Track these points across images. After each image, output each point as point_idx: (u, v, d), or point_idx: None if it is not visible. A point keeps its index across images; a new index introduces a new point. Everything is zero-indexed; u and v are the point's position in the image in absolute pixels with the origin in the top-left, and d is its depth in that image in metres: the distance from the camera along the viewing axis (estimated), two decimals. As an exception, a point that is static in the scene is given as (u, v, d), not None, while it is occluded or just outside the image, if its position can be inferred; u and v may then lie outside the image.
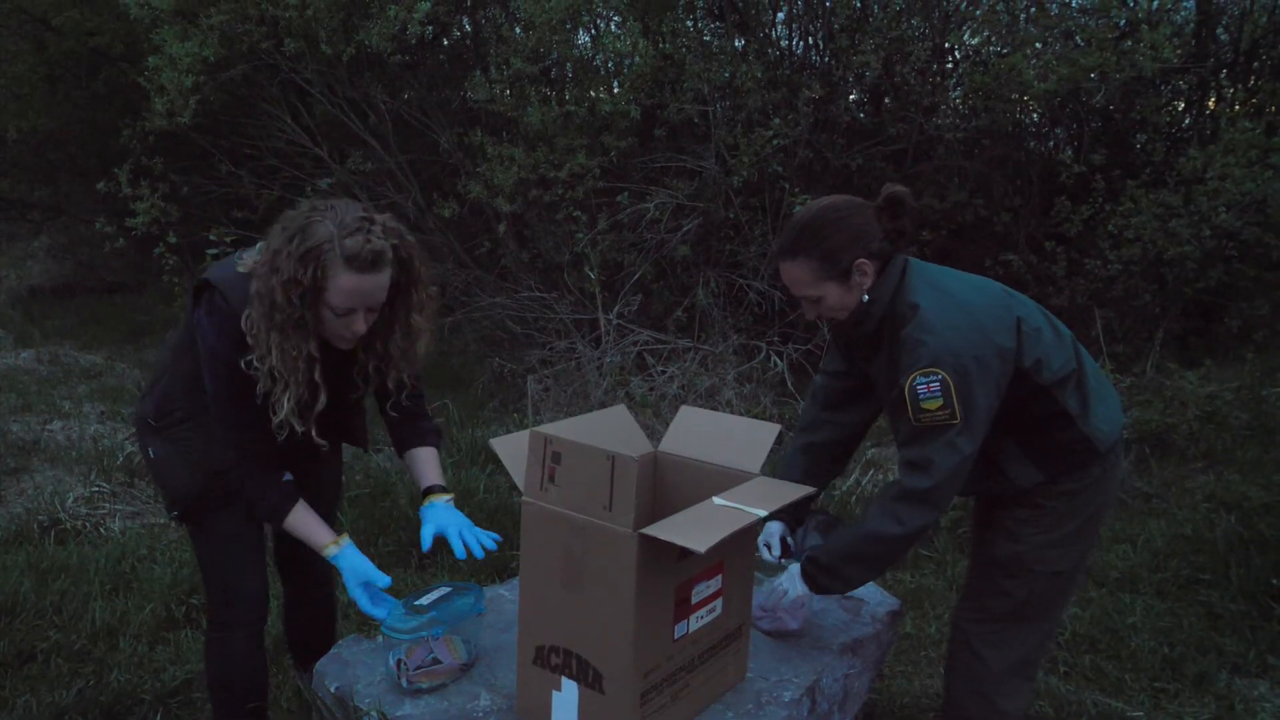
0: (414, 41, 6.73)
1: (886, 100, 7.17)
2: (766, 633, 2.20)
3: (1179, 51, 7.03)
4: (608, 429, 2.00)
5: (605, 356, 5.23)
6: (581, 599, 1.68)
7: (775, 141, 5.97)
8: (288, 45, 6.34)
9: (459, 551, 2.03)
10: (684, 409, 2.14)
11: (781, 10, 7.18)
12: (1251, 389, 5.68)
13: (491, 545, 2.07)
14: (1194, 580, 3.55)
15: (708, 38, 7.12)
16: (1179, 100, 8.05)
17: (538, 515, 1.72)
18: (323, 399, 2.01)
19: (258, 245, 2.00)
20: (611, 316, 5.46)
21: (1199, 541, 3.82)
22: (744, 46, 6.99)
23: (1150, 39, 5.98)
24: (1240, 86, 7.64)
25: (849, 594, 2.40)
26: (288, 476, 2.10)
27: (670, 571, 1.70)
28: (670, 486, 2.06)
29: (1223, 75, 7.81)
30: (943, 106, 6.85)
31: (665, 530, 1.59)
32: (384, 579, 2.00)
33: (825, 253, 1.97)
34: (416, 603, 1.99)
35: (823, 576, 2.05)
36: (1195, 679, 2.92)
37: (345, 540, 2.06)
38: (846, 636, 2.24)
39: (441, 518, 2.11)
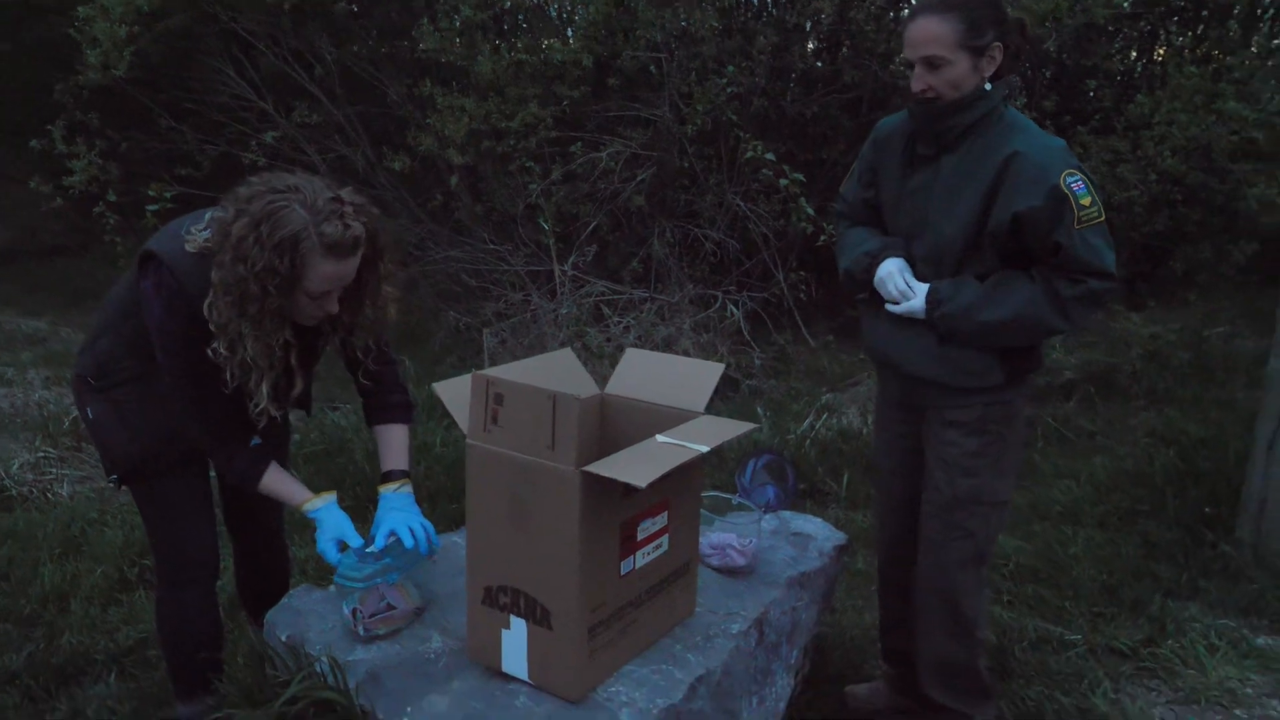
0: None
1: (844, 49, 7.16)
2: (716, 569, 2.25)
3: (1128, 1, 7.09)
4: (553, 372, 2.01)
5: (561, 308, 5.23)
6: (528, 538, 1.71)
7: (729, 90, 5.94)
8: (227, -5, 6.18)
9: (407, 541, 2.02)
10: (629, 351, 2.16)
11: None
12: (1193, 330, 5.82)
13: (436, 545, 2.09)
14: (1133, 512, 3.67)
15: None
16: (1131, 48, 8.12)
17: (482, 457, 1.74)
18: (299, 383, 2.00)
19: (205, 217, 1.94)
20: (566, 268, 5.46)
21: (1139, 475, 3.94)
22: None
23: (1099, -17, 6.01)
24: (1190, 34, 7.72)
25: (794, 531, 2.46)
26: (256, 440, 2.09)
27: (615, 509, 1.73)
28: (617, 428, 2.08)
29: (1173, 22, 7.88)
30: (899, 54, 6.86)
31: (607, 467, 1.62)
32: (358, 540, 2.01)
33: (975, 20, 1.94)
34: (369, 550, 2.01)
35: (961, 323, 2.04)
36: (1131, 603, 3.03)
37: (330, 496, 2.08)
38: (794, 571, 2.29)
39: (393, 517, 2.08)
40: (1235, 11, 7.61)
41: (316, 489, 3.96)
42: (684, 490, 1.93)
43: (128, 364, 2.06)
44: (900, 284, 2.08)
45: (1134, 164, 6.04)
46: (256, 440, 2.07)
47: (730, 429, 1.86)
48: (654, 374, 2.08)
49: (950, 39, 1.93)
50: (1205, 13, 7.80)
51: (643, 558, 1.83)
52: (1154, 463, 4.04)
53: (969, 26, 1.93)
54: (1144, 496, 3.75)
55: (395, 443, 2.24)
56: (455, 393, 1.82)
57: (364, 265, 1.94)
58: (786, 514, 2.61)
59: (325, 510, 2.04)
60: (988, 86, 2.00)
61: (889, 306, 2.12)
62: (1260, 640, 2.86)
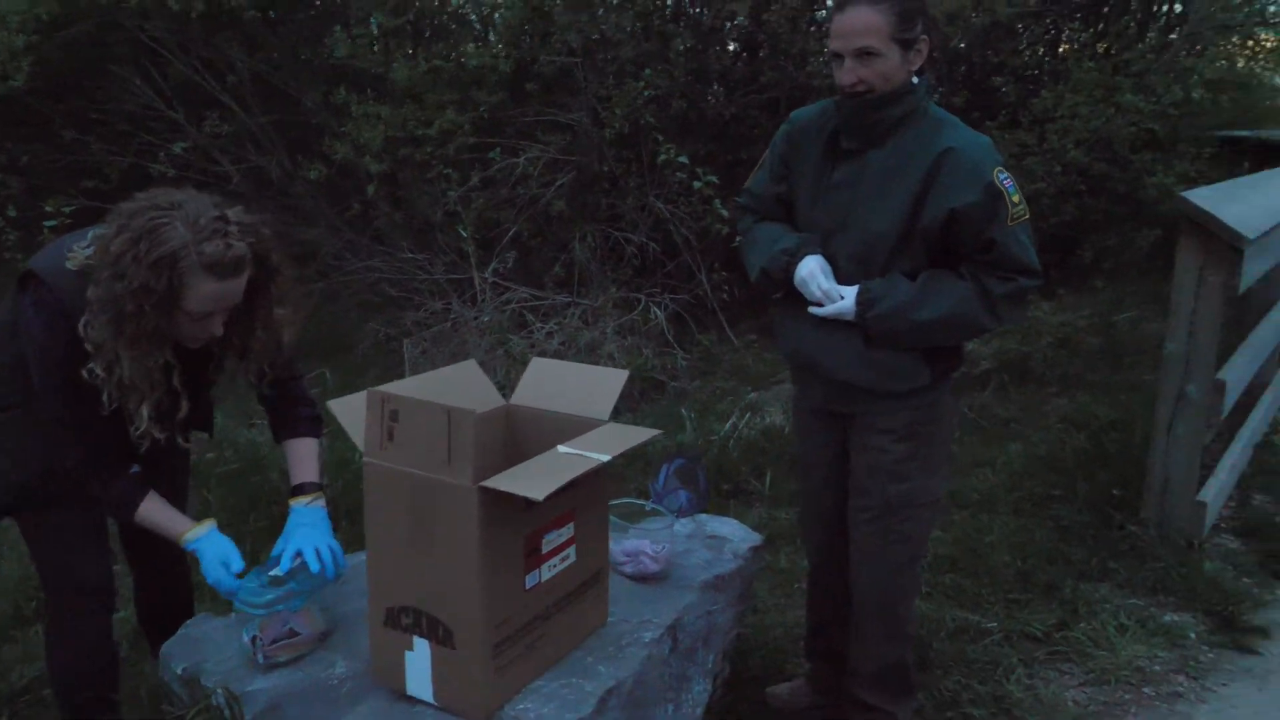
0: (270, -4, 6.47)
1: (761, 51, 7.23)
2: (630, 577, 2.24)
3: (1035, -2, 7.28)
4: (455, 385, 1.98)
5: (482, 316, 5.19)
6: (428, 557, 1.68)
7: (647, 93, 5.96)
8: (130, 1, 5.99)
9: (313, 564, 1.96)
10: (535, 360, 2.15)
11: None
12: (1102, 316, 6.00)
13: (343, 567, 2.04)
14: (1047, 497, 3.76)
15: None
16: (1038, 45, 8.35)
17: (379, 475, 1.71)
18: (185, 405, 1.93)
19: (89, 234, 1.88)
20: (487, 275, 5.42)
21: (1052, 460, 4.04)
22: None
23: (1003, -18, 6.15)
24: (1091, 30, 7.95)
25: (710, 534, 2.46)
26: (135, 469, 2.02)
27: (517, 522, 1.71)
28: (524, 439, 2.06)
29: (1076, 19, 8.12)
30: (815, 55, 6.94)
31: (505, 481, 1.60)
32: (240, 564, 1.95)
33: (905, 12, 1.91)
34: (272, 572, 1.96)
35: (896, 322, 1.99)
36: (1045, 588, 3.10)
37: (210, 524, 2.00)
38: (709, 574, 2.29)
39: (302, 535, 2.01)
40: (1132, 8, 7.89)
41: (232, 509, 3.88)
42: (590, 500, 1.92)
43: (5, 391, 1.98)
44: (823, 283, 2.02)
45: (1040, 157, 6.21)
46: (136, 468, 2.00)
47: (633, 436, 1.86)
48: (559, 383, 2.07)
49: (884, 30, 1.89)
50: (1106, 10, 8.06)
51: (549, 570, 1.82)
52: (1066, 447, 4.15)
53: (900, 18, 1.90)
54: (1057, 481, 3.85)
55: (305, 456, 2.18)
56: (351, 410, 1.79)
57: (253, 287, 1.89)
58: (703, 517, 2.61)
59: (206, 539, 1.97)
60: (915, 80, 1.98)
61: (813, 309, 2.05)
62: (1167, 617, 2.95)
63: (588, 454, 1.74)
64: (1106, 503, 3.53)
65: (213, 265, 1.74)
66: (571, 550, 1.89)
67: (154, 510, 1.98)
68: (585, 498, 1.90)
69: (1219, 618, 2.92)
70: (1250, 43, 8.93)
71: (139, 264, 1.70)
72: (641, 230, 5.99)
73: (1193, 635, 2.85)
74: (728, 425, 4.49)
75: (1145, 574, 3.13)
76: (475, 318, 5.23)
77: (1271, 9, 8.01)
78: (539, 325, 5.35)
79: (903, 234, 1.98)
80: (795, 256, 2.07)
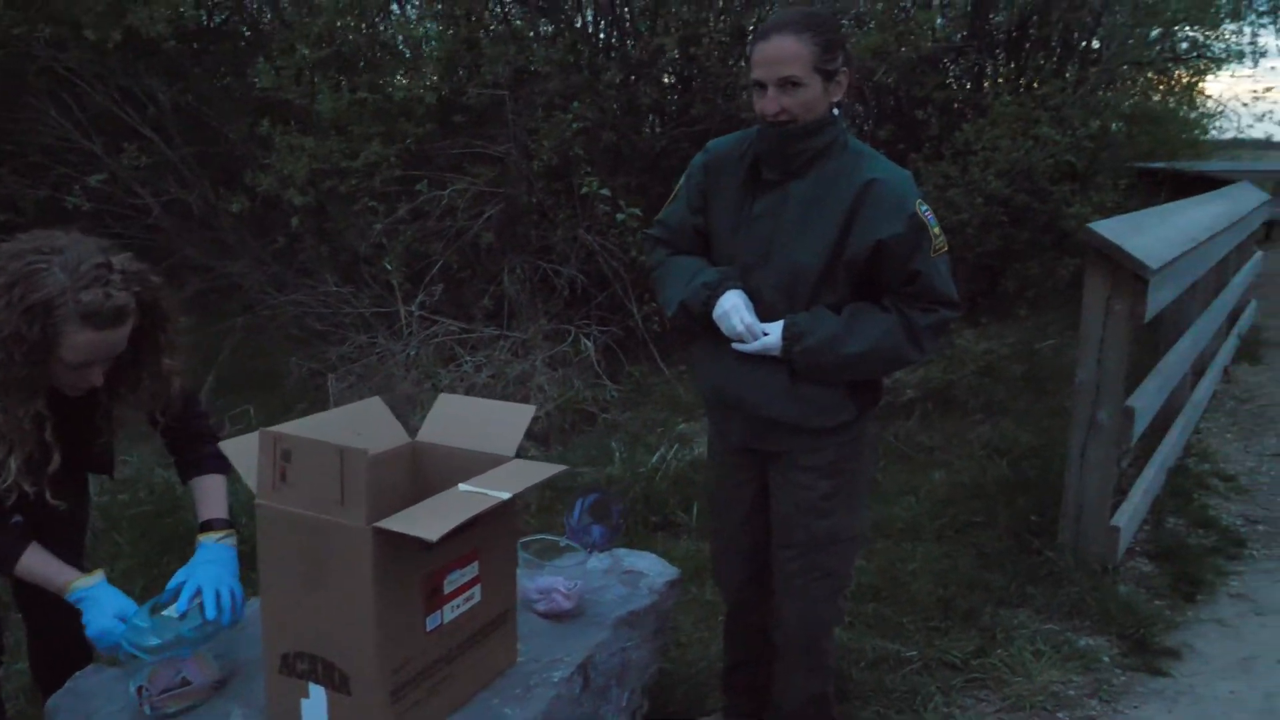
0: (192, 26, 6.36)
1: (694, 83, 7.30)
2: (542, 615, 2.20)
3: (962, 34, 7.50)
4: (358, 423, 1.94)
5: (409, 349, 5.12)
6: (323, 601, 1.63)
7: (576, 125, 5.97)
8: (43, 31, 5.85)
9: (210, 609, 1.88)
10: (442, 396, 2.11)
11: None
12: (1025, 343, 6.14)
13: (241, 617, 1.95)
14: (969, 524, 3.80)
15: (518, 22, 7.05)
16: (962, 79, 8.58)
17: (272, 517, 1.65)
18: (56, 459, 1.84)
19: None
20: (413, 308, 5.35)
21: (974, 487, 4.10)
22: (546, 30, 6.95)
23: (921, 18, 6.32)
24: (1012, 65, 8.20)
25: (625, 569, 2.44)
26: (17, 519, 1.92)
27: (415, 563, 1.67)
28: (430, 476, 2.02)
29: (997, 54, 8.37)
30: (744, 89, 7.04)
31: (399, 522, 1.56)
32: (133, 610, 1.86)
33: (828, 43, 1.90)
34: (167, 611, 1.87)
35: (824, 356, 1.97)
36: (964, 615, 3.13)
37: (99, 575, 1.91)
38: (623, 610, 2.26)
39: (201, 571, 1.93)
40: (1052, 44, 8.16)
41: (143, 554, 3.74)
42: (496, 538, 1.88)
43: None
44: (745, 318, 1.98)
45: (963, 188, 6.35)
46: (18, 519, 1.91)
47: (536, 473, 1.83)
48: (466, 419, 2.03)
49: (807, 60, 1.88)
50: (1026, 45, 8.32)
51: (451, 611, 1.77)
52: (988, 474, 4.22)
53: (823, 49, 1.89)
54: (979, 508, 3.90)
55: (212, 491, 2.10)
56: (243, 451, 1.73)
57: (139, 336, 1.82)
58: (621, 551, 2.58)
59: (98, 588, 1.88)
60: (835, 112, 1.97)
61: (737, 345, 2.01)
62: (1082, 641, 2.99)
63: (488, 492, 1.70)
64: (1026, 528, 3.59)
65: (90, 315, 1.67)
66: (476, 590, 1.85)
67: (36, 562, 1.88)
68: (490, 535, 1.86)
69: (1132, 641, 2.97)
70: (1164, 78, 9.29)
71: (11, 310, 1.63)
72: (572, 262, 5.98)
73: (1106, 659, 2.89)
74: (655, 457, 4.47)
75: (1062, 599, 3.18)
76: (401, 351, 5.16)
77: (1184, 46, 8.34)
78: (468, 358, 5.30)
79: (827, 265, 1.97)
80: (715, 291, 2.02)
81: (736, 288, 2.03)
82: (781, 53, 1.88)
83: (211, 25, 7.19)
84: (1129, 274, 3.02)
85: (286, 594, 1.67)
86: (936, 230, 1.96)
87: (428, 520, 1.58)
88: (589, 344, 5.63)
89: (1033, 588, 3.27)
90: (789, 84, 1.88)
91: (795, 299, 2.01)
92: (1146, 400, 3.40)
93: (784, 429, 2.08)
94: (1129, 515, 3.41)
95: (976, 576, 3.38)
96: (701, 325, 2.09)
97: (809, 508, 2.12)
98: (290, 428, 1.73)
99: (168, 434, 2.11)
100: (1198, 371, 5.03)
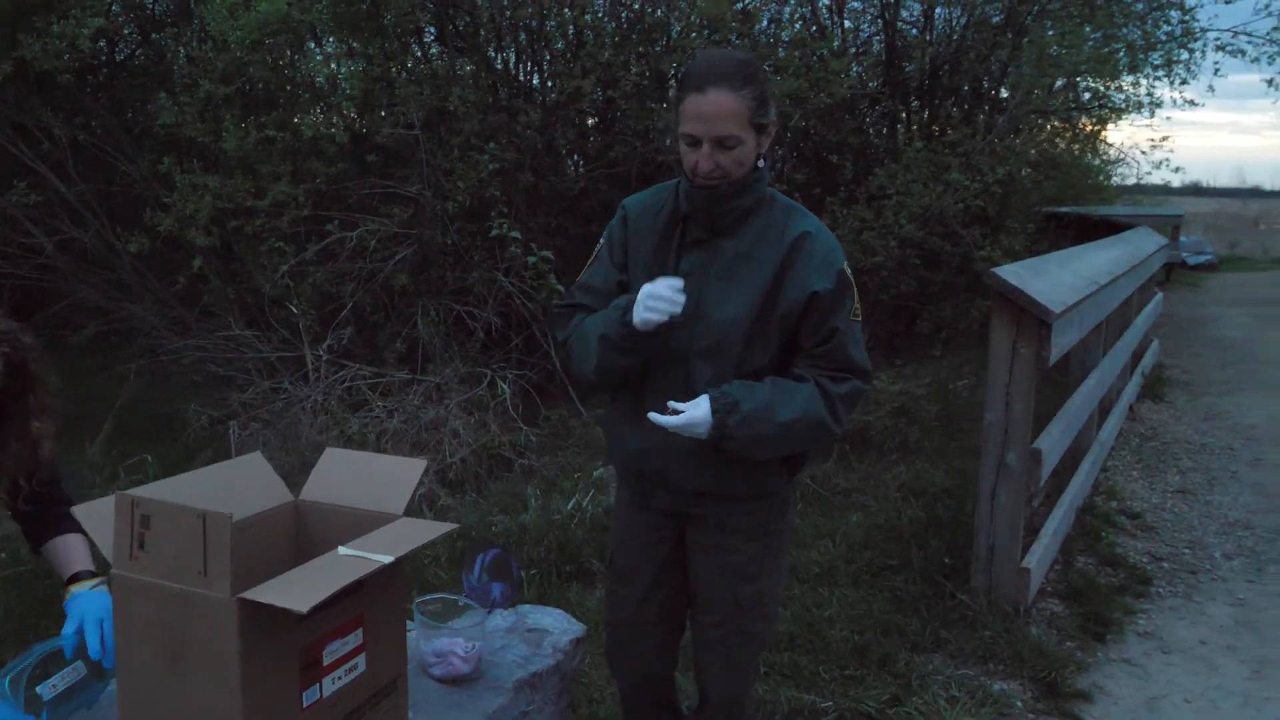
0: (91, 60, 6.15)
1: (615, 125, 7.32)
2: (439, 679, 2.08)
3: (875, 81, 7.68)
4: (232, 483, 1.81)
5: (315, 395, 4.94)
6: (184, 680, 1.49)
7: (491, 166, 5.91)
8: (-76, 64, 5.60)
9: (94, 649, 1.75)
10: (328, 450, 1.99)
11: (507, 36, 7.16)
12: (940, 384, 6.22)
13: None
14: (884, 567, 3.78)
15: (438, 61, 6.99)
16: (872, 125, 8.79)
17: (129, 588, 1.52)
18: None
19: None
20: (321, 351, 5.18)
21: (889, 530, 4.09)
22: (463, 70, 6.90)
23: (834, 66, 6.44)
24: (922, 112, 8.43)
25: (529, 627, 2.34)
26: None
27: (289, 634, 1.55)
28: (312, 538, 1.90)
29: (911, 101, 8.60)
30: (665, 133, 7.05)
31: (267, 592, 1.44)
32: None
33: (762, 97, 1.80)
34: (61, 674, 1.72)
35: (761, 426, 1.82)
36: (880, 662, 3.09)
37: None
38: (524, 672, 2.16)
39: (83, 607, 1.81)
40: (962, 92, 8.41)
41: (18, 618, 3.50)
42: (382, 602, 1.77)
43: None
44: (664, 291, 1.78)
45: (878, 231, 6.45)
46: None
47: (423, 533, 1.73)
48: (353, 475, 1.92)
49: (744, 116, 1.78)
50: (938, 94, 8.57)
51: (332, 684, 1.65)
52: (903, 516, 4.22)
53: (758, 103, 1.80)
54: (894, 551, 3.89)
55: (76, 548, 1.95)
56: (99, 516, 1.59)
57: (6, 399, 1.69)
58: (525, 608, 2.47)
59: None
60: (761, 163, 1.89)
61: (658, 419, 1.82)
62: (996, 686, 2.97)
63: (370, 555, 1.60)
64: (939, 571, 3.58)
65: None
66: (361, 659, 1.73)
67: None
68: (376, 599, 1.75)
69: (1044, 684, 2.96)
70: (1068, 126, 9.64)
71: None
72: (488, 305, 5.88)
73: (1019, 704, 2.87)
74: (570, 504, 4.37)
75: (975, 643, 3.16)
76: (309, 397, 4.98)
77: (1086, 96, 8.67)
78: (379, 403, 5.14)
79: (757, 320, 1.87)
80: (628, 305, 1.84)
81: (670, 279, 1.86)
82: (720, 109, 1.77)
83: (114, 60, 6.96)
84: (1033, 318, 3.06)
85: (146, 674, 1.53)
86: (855, 294, 1.92)
87: (299, 589, 1.46)
88: (505, 388, 5.52)
89: (946, 632, 3.24)
90: (727, 143, 1.79)
91: (723, 359, 1.89)
92: (1053, 441, 3.43)
93: (713, 497, 1.99)
94: (1039, 556, 3.42)
95: (891, 621, 3.35)
96: (632, 356, 1.87)
97: (735, 571, 2.02)
98: (153, 490, 1.61)
99: (22, 504, 1.95)
100: (1104, 410, 5.14)
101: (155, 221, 5.70)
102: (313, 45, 6.75)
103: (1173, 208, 15.69)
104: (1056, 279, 3.47)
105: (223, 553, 1.44)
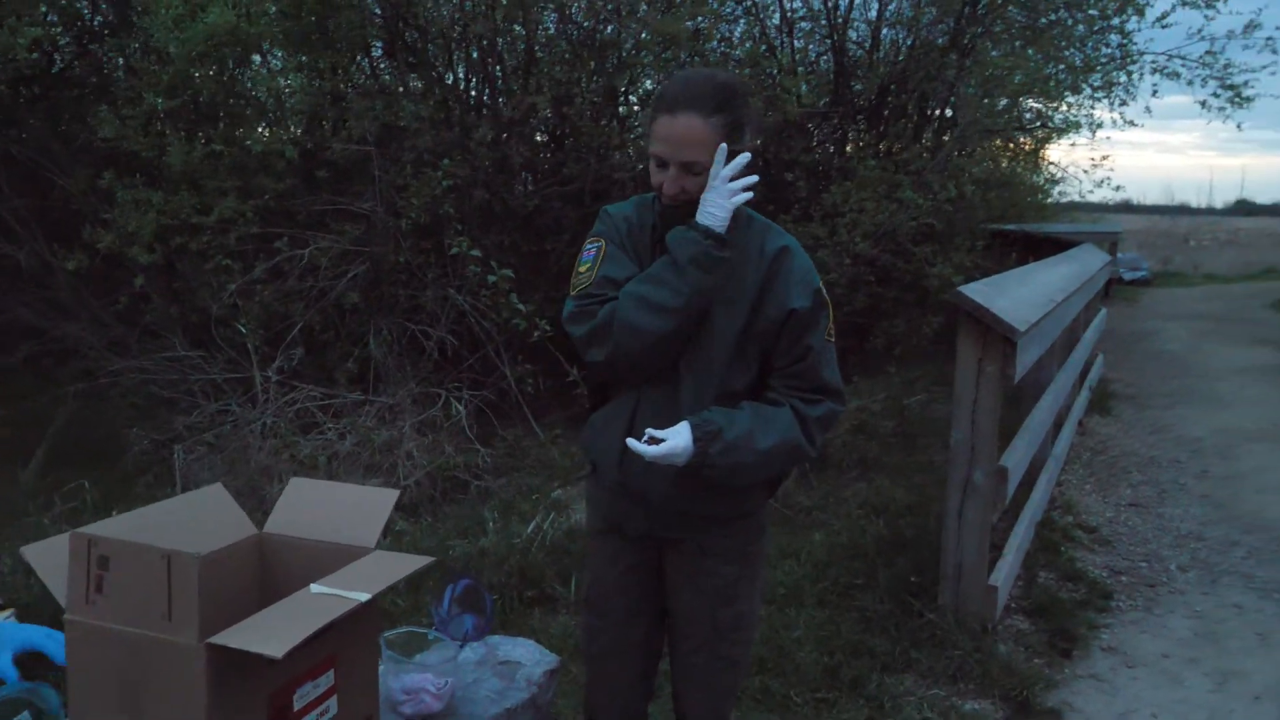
0: (27, 71, 5.94)
1: (567, 142, 7.27)
2: (409, 718, 2.00)
3: (824, 100, 7.75)
4: (191, 517, 1.72)
5: (265, 417, 4.80)
6: (146, 730, 1.40)
7: (445, 183, 5.82)
8: None
9: (59, 655, 1.65)
10: (293, 480, 1.90)
11: (459, 52, 7.09)
12: (895, 399, 6.26)
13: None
14: (850, 586, 3.77)
15: (387, 77, 6.88)
16: (826, 143, 8.87)
17: (85, 635, 1.42)
18: None
19: None
20: (270, 373, 5.03)
21: (854, 548, 4.08)
22: (415, 87, 6.81)
23: (788, 85, 6.48)
24: (872, 131, 8.53)
25: (500, 659, 2.26)
26: None
27: (259, 680, 1.46)
28: (279, 573, 1.81)
29: (859, 120, 8.70)
30: (617, 149, 7.02)
31: (238, 636, 1.36)
32: None
33: (736, 123, 1.76)
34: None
35: (743, 454, 1.79)
36: (851, 683, 3.06)
37: None
38: (499, 707, 2.08)
39: (12, 634, 1.72)
40: (909, 111, 8.52)
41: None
42: (354, 641, 1.69)
43: None
44: (731, 166, 1.72)
45: (832, 249, 6.49)
46: None
47: (400, 567, 1.65)
48: (320, 506, 1.83)
49: (713, 141, 1.74)
50: (885, 113, 8.67)
51: (303, 729, 1.56)
52: (866, 534, 4.22)
53: (731, 130, 1.75)
54: (859, 569, 3.87)
55: None
56: (51, 556, 1.49)
57: None
58: (495, 639, 2.40)
59: None
60: None
61: (639, 448, 1.76)
62: (968, 706, 2.96)
63: (344, 593, 1.52)
64: (906, 590, 3.57)
65: None
66: (332, 702, 1.64)
67: None
68: (348, 638, 1.67)
69: (1015, 703, 2.95)
70: (1011, 145, 9.83)
71: None
72: (442, 324, 5.78)
73: (992, 723, 2.87)
74: (530, 526, 4.29)
75: (945, 662, 3.15)
76: (258, 419, 4.83)
77: (1029, 116, 8.85)
78: (330, 425, 5.01)
79: (741, 335, 1.85)
80: (690, 223, 1.77)
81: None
82: (689, 135, 1.74)
83: (52, 71, 6.73)
84: (998, 336, 3.07)
85: (102, 724, 1.43)
86: (830, 315, 1.89)
87: (272, 632, 1.38)
88: (460, 408, 5.42)
89: (916, 651, 3.23)
90: (693, 169, 1.76)
91: (708, 381, 1.86)
92: (1018, 458, 3.45)
93: (694, 518, 1.95)
94: (1005, 573, 3.44)
95: (860, 641, 3.32)
96: (719, 276, 1.79)
97: (716, 595, 1.98)
98: (110, 527, 1.51)
99: None
100: (1056, 425, 5.20)
101: (95, 238, 5.49)
102: (258, 59, 6.61)
103: (1110, 225, 16.12)
104: (1018, 296, 3.49)
105: (189, 595, 1.35)
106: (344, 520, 1.81)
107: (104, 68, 6.94)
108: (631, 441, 1.78)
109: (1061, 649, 3.33)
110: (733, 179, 1.76)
